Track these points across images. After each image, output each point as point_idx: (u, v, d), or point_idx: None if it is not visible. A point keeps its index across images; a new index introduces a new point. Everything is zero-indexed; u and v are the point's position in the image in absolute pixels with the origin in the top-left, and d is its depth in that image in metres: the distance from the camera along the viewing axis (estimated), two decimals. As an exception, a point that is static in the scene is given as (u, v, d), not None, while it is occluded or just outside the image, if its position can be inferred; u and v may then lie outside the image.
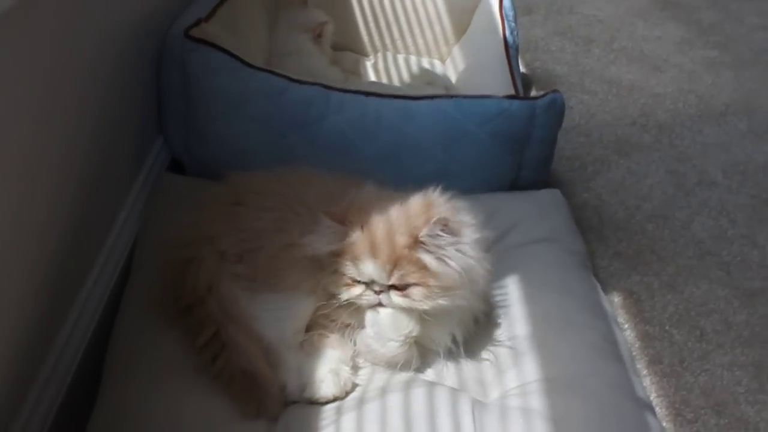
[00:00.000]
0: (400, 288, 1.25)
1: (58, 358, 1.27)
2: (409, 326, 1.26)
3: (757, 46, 3.07)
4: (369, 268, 1.24)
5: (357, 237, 1.25)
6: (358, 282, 1.26)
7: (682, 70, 2.85)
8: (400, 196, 1.32)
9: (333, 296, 1.29)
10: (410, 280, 1.24)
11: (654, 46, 3.03)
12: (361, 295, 1.26)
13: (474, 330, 1.34)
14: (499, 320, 1.38)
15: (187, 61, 1.71)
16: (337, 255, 1.26)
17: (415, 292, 1.24)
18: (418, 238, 1.23)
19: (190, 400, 1.19)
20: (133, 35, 1.61)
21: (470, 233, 1.28)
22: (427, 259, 1.23)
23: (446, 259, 1.23)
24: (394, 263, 1.23)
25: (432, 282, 1.24)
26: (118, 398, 1.20)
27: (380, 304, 1.26)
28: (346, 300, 1.27)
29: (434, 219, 1.22)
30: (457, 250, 1.24)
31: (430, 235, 1.22)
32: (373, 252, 1.23)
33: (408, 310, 1.25)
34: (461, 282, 1.24)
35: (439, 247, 1.23)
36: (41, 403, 1.20)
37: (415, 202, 1.29)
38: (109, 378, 1.25)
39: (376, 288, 1.26)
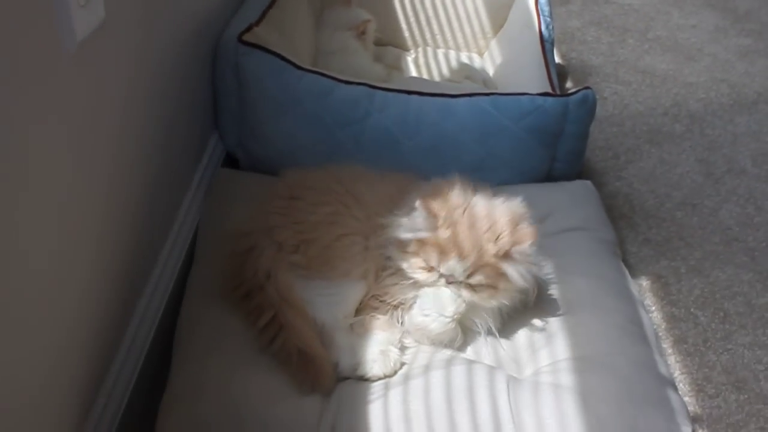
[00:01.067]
0: (472, 285, 1.36)
1: (133, 340, 1.39)
2: (456, 304, 1.37)
3: (792, 33, 3.12)
4: (453, 265, 1.35)
5: (448, 234, 1.35)
6: (432, 269, 1.37)
7: (715, 59, 2.91)
8: (485, 196, 1.42)
9: (389, 276, 1.41)
10: (485, 282, 1.36)
11: (688, 35, 3.09)
12: (434, 282, 1.38)
13: (512, 313, 1.45)
14: (534, 304, 1.48)
15: (240, 65, 1.83)
16: (423, 243, 1.37)
17: (484, 292, 1.36)
18: (509, 252, 1.34)
19: (252, 377, 1.29)
20: (189, 38, 1.71)
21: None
22: (510, 270, 1.35)
23: (525, 273, 1.36)
24: (478, 267, 1.35)
25: (502, 286, 1.36)
26: (187, 375, 1.31)
27: None
28: (416, 281, 1.38)
29: (531, 240, 1.34)
30: (534, 266, 1.37)
31: (521, 252, 1.34)
32: (462, 252, 1.34)
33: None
34: (528, 290, 1.38)
35: (524, 262, 1.35)
36: (119, 380, 1.32)
37: (505, 211, 1.39)
38: (179, 357, 1.36)
39: (450, 279, 1.37)
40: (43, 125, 1.00)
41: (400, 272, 1.41)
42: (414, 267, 1.38)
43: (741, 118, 2.52)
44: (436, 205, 1.37)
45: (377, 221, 1.44)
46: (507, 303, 1.40)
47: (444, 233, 1.35)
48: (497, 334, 1.42)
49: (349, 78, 1.86)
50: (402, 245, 1.39)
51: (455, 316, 1.38)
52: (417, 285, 1.40)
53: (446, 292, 1.38)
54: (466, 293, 1.37)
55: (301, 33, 2.18)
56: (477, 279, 1.35)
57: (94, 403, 1.24)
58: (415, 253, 1.37)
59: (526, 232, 1.36)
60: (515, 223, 1.37)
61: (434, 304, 1.38)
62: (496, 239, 1.35)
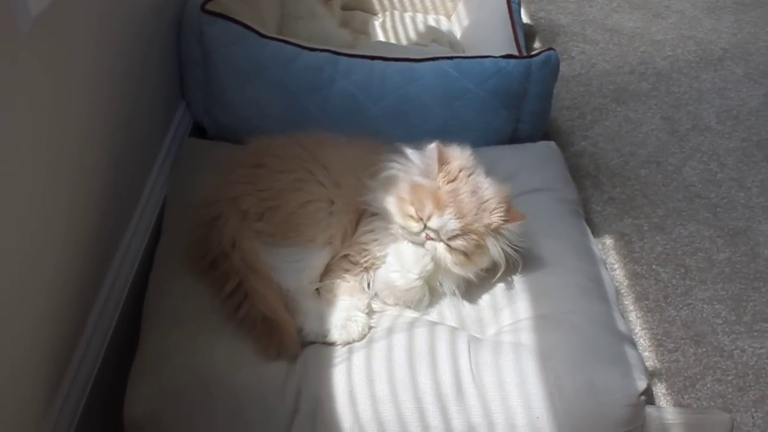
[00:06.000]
0: (449, 246, 1.38)
1: (101, 312, 1.40)
2: (425, 261, 1.39)
3: (759, -13, 3.13)
4: (443, 221, 1.36)
5: (450, 189, 1.38)
6: (420, 220, 1.38)
7: (683, 16, 2.92)
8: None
9: (367, 232, 1.43)
10: (462, 248, 1.38)
11: (656, -9, 3.11)
12: (417, 232, 1.38)
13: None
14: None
15: (204, 34, 1.83)
16: (419, 190, 1.38)
17: (455, 257, 1.38)
18: (499, 229, 1.38)
19: (218, 345, 1.31)
20: (152, 8, 1.70)
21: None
22: (492, 247, 1.38)
23: (505, 253, 1.39)
24: (466, 232, 1.37)
25: (476, 259, 1.39)
26: (156, 345, 1.33)
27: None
28: (399, 225, 1.39)
29: (521, 221, 1.39)
30: (515, 248, 1.40)
31: (510, 231, 1.38)
32: (460, 211, 1.36)
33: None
34: (498, 266, 1.41)
35: (506, 242, 1.38)
36: (89, 352, 1.34)
37: (498, 190, 1.41)
38: (146, 327, 1.37)
39: (431, 234, 1.38)
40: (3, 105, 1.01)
41: (378, 229, 1.43)
42: (402, 213, 1.39)
43: (707, 74, 2.55)
44: (448, 156, 1.40)
45: (344, 185, 1.46)
46: (471, 276, 1.42)
47: (446, 187, 1.38)
48: (461, 296, 1.45)
49: (313, 45, 1.87)
50: (396, 188, 1.40)
51: (422, 275, 1.40)
52: (394, 239, 1.42)
53: (416, 250, 1.40)
54: (441, 252, 1.38)
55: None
56: (458, 243, 1.37)
57: (62, 377, 1.26)
58: (407, 200, 1.38)
59: (519, 213, 1.40)
60: (508, 203, 1.41)
61: (402, 261, 1.40)
62: (492, 211, 1.38)
